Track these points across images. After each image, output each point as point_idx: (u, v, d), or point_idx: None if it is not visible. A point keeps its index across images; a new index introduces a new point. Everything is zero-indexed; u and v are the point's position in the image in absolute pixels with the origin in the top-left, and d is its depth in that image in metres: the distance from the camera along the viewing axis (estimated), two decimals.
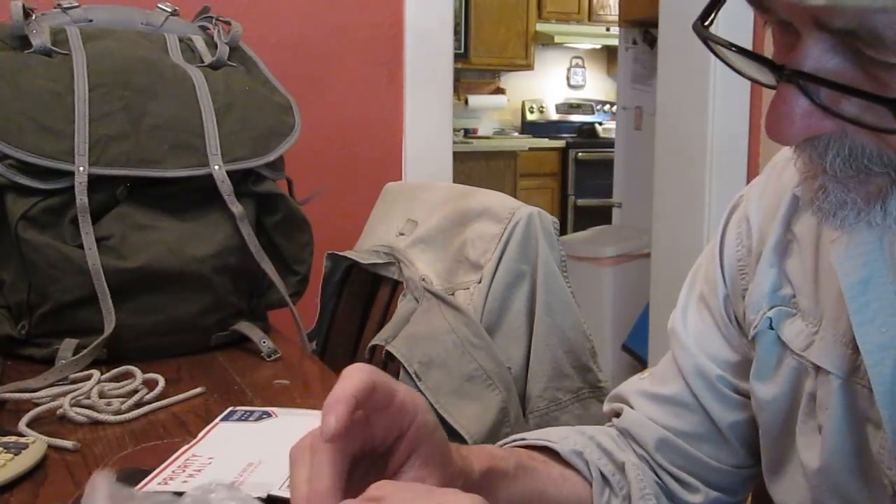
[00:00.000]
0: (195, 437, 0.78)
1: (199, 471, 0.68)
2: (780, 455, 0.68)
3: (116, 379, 0.97)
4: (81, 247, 1.05)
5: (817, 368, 0.62)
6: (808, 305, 0.64)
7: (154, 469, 0.69)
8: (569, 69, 6.46)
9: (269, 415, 0.83)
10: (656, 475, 0.74)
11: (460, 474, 0.56)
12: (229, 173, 1.14)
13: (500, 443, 0.75)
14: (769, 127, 0.46)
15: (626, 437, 0.76)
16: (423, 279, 1.18)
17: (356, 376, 0.49)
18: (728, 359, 0.72)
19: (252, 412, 0.84)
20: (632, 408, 0.76)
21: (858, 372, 0.58)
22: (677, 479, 0.74)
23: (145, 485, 0.64)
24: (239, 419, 0.82)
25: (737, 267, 0.71)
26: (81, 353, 1.01)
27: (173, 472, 0.67)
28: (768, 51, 0.49)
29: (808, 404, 0.63)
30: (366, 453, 0.52)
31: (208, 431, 0.79)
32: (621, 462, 0.72)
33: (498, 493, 0.62)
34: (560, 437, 0.73)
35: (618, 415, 0.78)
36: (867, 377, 0.56)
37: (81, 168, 1.06)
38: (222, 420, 0.82)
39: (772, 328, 0.66)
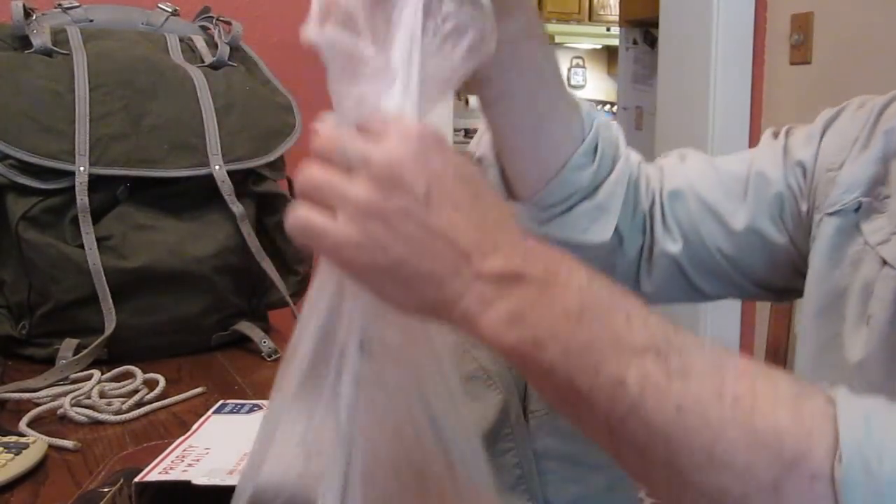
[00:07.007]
0: None
1: (198, 460, 0.68)
2: (822, 340, 0.68)
3: (117, 379, 0.97)
4: (82, 247, 1.05)
5: (883, 263, 0.63)
6: None
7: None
8: (569, 69, 6.46)
9: (259, 407, 0.84)
10: (650, 216, 0.76)
11: None
12: (230, 173, 1.14)
13: None
14: None
15: (658, 171, 0.78)
16: None
17: None
18: (781, 190, 0.73)
19: (243, 405, 0.85)
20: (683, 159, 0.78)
21: None
22: (668, 229, 0.76)
23: (145, 475, 0.64)
24: (230, 412, 0.83)
25: (839, 144, 0.70)
26: (82, 353, 1.01)
27: (172, 461, 0.68)
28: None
29: (863, 292, 0.64)
30: None
31: (202, 424, 0.79)
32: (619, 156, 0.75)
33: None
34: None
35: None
36: None
37: (82, 168, 1.06)
38: (214, 412, 0.83)
39: (855, 212, 0.67)
